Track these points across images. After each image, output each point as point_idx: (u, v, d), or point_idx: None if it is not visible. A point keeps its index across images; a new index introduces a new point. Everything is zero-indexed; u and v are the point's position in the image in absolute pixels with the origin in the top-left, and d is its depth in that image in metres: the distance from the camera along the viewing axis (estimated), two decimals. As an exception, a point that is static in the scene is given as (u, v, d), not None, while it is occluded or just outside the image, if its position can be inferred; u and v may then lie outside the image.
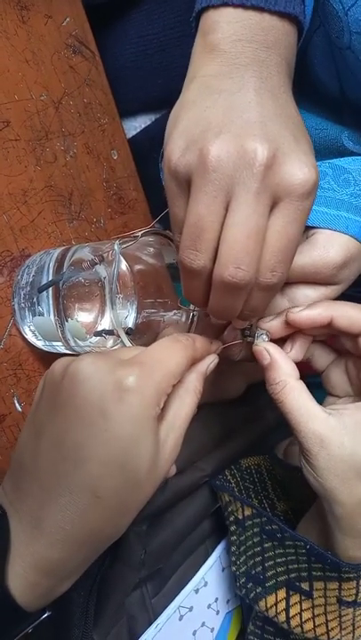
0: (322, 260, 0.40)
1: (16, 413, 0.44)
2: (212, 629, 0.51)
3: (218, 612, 0.52)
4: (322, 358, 0.44)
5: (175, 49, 0.54)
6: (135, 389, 0.31)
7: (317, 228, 0.41)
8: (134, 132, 0.59)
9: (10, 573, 0.31)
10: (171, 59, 0.55)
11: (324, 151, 0.49)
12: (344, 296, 0.43)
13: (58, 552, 0.31)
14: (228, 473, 0.52)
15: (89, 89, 0.52)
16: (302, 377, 0.39)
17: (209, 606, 0.51)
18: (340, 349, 0.43)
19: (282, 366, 0.38)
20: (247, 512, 0.48)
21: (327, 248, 0.40)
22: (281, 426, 0.41)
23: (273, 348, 0.39)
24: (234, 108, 0.32)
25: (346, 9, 0.38)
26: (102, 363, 0.32)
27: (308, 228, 0.42)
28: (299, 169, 0.31)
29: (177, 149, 0.33)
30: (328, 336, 0.42)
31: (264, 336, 0.41)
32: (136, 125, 0.58)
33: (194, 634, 0.49)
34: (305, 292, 0.42)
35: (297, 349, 0.41)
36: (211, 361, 0.38)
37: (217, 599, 0.52)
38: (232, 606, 0.53)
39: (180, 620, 0.48)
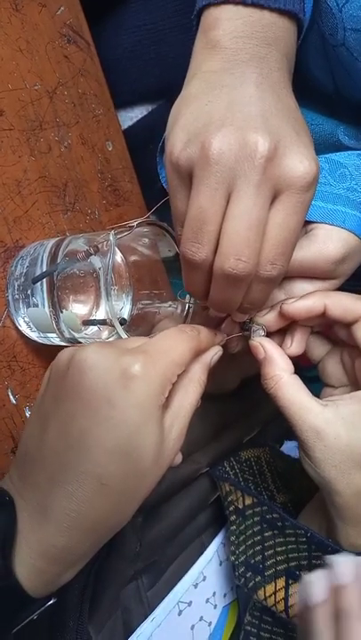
0: (321, 255, 0.40)
1: (10, 406, 0.43)
2: (210, 623, 0.51)
3: (215, 606, 0.52)
4: (317, 349, 0.44)
5: (172, 39, 0.54)
6: (141, 377, 0.31)
7: (316, 222, 0.41)
8: (130, 123, 0.58)
9: (17, 560, 0.31)
10: (168, 49, 0.55)
11: (320, 146, 0.49)
12: (343, 289, 0.43)
13: (64, 539, 0.31)
14: (227, 465, 0.52)
15: (83, 79, 0.51)
16: (299, 369, 0.39)
17: (207, 600, 0.51)
18: (336, 339, 0.43)
19: (277, 361, 0.39)
20: (248, 501, 0.48)
21: (326, 243, 0.40)
22: (278, 418, 0.42)
23: (268, 343, 0.40)
24: (235, 103, 0.32)
25: (340, 5, 0.38)
26: (108, 351, 0.32)
27: (306, 223, 0.42)
28: (299, 162, 0.32)
29: (179, 143, 0.33)
30: (324, 326, 0.42)
31: (260, 331, 0.41)
32: (132, 116, 0.58)
33: (192, 628, 0.49)
34: (303, 286, 0.42)
35: (297, 342, 0.41)
36: (215, 352, 0.38)
37: (215, 593, 0.52)
38: (229, 600, 0.53)
39: (180, 614, 0.48)
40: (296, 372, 0.39)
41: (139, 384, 0.31)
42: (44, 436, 0.32)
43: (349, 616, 0.29)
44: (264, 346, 0.39)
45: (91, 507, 0.31)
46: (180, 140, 0.33)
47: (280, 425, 0.58)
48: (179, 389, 0.35)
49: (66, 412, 0.32)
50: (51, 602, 0.33)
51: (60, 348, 0.41)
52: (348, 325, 0.39)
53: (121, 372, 0.31)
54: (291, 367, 0.39)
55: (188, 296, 0.45)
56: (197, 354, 0.36)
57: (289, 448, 0.60)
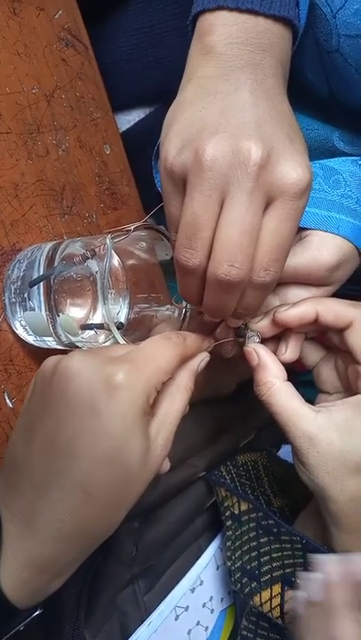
0: (315, 262, 0.40)
1: (7, 409, 0.43)
2: (207, 628, 0.51)
3: (212, 611, 0.52)
4: (312, 355, 0.44)
5: (170, 42, 0.54)
6: (125, 386, 0.31)
7: (310, 229, 0.41)
8: (128, 126, 0.58)
9: (2, 570, 0.31)
10: (166, 52, 0.55)
11: (315, 151, 0.49)
12: (341, 294, 0.43)
13: (50, 549, 0.31)
14: (224, 469, 0.52)
15: (81, 83, 0.51)
16: (295, 374, 0.39)
17: (204, 605, 0.51)
18: (330, 345, 0.43)
19: (269, 367, 0.39)
20: (243, 507, 0.48)
21: (321, 250, 0.40)
22: (274, 423, 0.42)
23: (262, 350, 0.40)
24: (229, 109, 0.32)
25: (334, 12, 0.38)
26: (92, 360, 0.32)
27: (301, 230, 0.42)
28: (292, 169, 0.32)
29: (173, 149, 0.33)
30: (318, 333, 0.42)
31: (255, 337, 0.41)
32: (130, 119, 0.58)
33: (189, 633, 0.49)
34: (297, 293, 0.42)
35: (292, 349, 0.41)
36: (202, 359, 0.38)
37: (212, 598, 0.52)
38: (226, 604, 0.53)
39: (177, 619, 0.48)
40: (293, 376, 0.39)
41: (123, 393, 0.30)
42: (29, 444, 0.32)
43: (335, 614, 0.29)
44: (258, 352, 0.39)
45: (76, 516, 0.31)
46: (174, 146, 0.33)
47: (277, 429, 0.58)
48: (165, 396, 0.34)
49: (51, 420, 0.31)
50: (36, 613, 0.33)
51: (57, 351, 0.41)
52: (340, 331, 0.39)
53: (105, 380, 0.31)
54: (284, 374, 0.39)
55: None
56: (184, 360, 0.36)
57: (286, 452, 0.59)
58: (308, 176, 0.32)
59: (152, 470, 0.33)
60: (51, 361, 0.34)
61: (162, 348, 0.34)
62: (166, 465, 0.35)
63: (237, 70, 0.34)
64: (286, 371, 0.39)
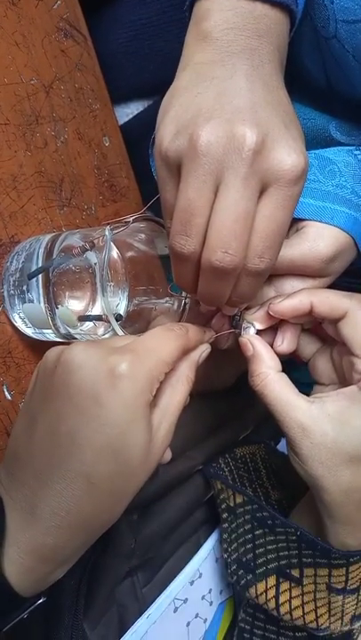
0: (311, 254, 0.40)
1: (5, 402, 0.43)
2: (205, 620, 0.51)
3: (211, 603, 0.52)
4: (307, 347, 0.44)
5: (168, 34, 0.54)
6: (127, 376, 0.31)
7: (306, 220, 0.41)
8: (127, 119, 0.58)
9: (5, 559, 0.31)
10: (164, 43, 0.54)
11: (311, 141, 0.48)
12: (338, 286, 0.43)
13: (53, 538, 0.31)
14: (222, 461, 0.52)
15: (80, 74, 0.51)
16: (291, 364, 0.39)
17: (203, 597, 0.51)
18: (326, 337, 0.42)
19: (264, 358, 0.39)
20: (238, 500, 0.48)
21: (317, 241, 0.40)
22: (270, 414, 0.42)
23: (256, 341, 0.40)
24: (225, 95, 0.32)
25: None
26: (95, 350, 0.32)
27: (297, 221, 0.42)
28: (287, 154, 0.31)
29: (168, 134, 0.33)
30: (314, 324, 0.42)
31: (250, 328, 0.41)
32: (128, 112, 0.58)
33: (187, 625, 0.49)
34: (293, 284, 0.42)
35: (288, 340, 0.41)
36: (203, 350, 0.38)
37: (211, 590, 0.52)
38: (225, 597, 0.53)
39: (175, 611, 0.48)
40: (288, 367, 0.39)
41: (126, 383, 0.31)
42: (32, 435, 0.32)
43: None
44: (252, 343, 0.39)
45: (79, 506, 0.31)
46: (168, 131, 0.33)
47: (274, 423, 0.58)
48: (167, 387, 0.35)
49: (54, 411, 0.31)
50: (40, 601, 0.33)
51: (56, 344, 0.41)
52: (335, 322, 0.39)
53: (108, 371, 0.31)
54: (278, 365, 0.39)
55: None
56: (185, 352, 0.36)
57: (284, 445, 0.59)
58: (304, 162, 0.32)
59: (154, 460, 0.33)
60: (53, 352, 0.34)
61: (164, 340, 0.34)
62: (168, 455, 0.36)
63: (234, 56, 0.33)
64: (287, 362, 0.39)
